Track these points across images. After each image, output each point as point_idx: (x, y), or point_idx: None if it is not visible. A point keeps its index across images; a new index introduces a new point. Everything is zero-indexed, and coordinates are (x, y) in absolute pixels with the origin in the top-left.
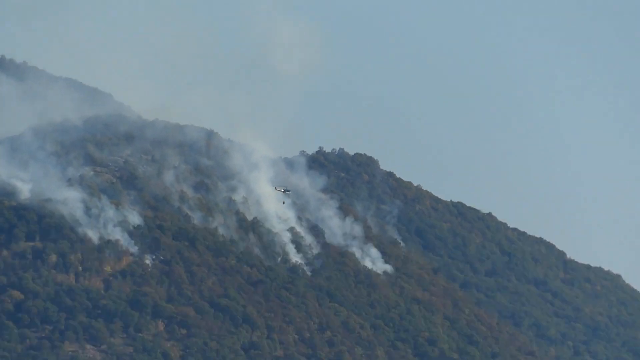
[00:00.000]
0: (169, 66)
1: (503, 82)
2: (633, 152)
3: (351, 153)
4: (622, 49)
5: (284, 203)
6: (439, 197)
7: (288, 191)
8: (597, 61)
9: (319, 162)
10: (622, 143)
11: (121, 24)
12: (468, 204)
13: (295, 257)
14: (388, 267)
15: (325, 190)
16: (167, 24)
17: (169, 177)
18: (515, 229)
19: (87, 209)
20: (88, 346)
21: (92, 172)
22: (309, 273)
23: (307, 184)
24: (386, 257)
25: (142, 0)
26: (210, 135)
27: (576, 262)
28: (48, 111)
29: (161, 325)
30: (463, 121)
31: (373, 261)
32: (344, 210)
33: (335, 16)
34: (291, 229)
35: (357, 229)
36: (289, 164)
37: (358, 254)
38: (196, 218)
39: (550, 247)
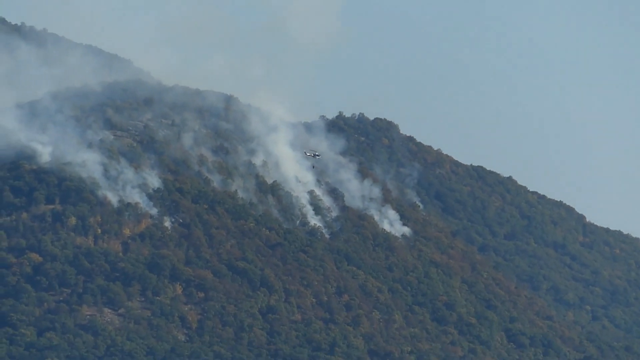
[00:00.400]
0: (187, 32)
1: (521, 47)
2: None
3: (371, 118)
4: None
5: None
6: (459, 160)
7: (318, 155)
8: (602, 17)
9: (338, 126)
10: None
11: None
12: (488, 168)
13: (313, 220)
14: (407, 230)
15: (344, 153)
16: None
17: (188, 141)
18: (535, 193)
19: (107, 172)
20: (106, 309)
21: (112, 136)
22: (327, 236)
23: (327, 147)
24: (405, 220)
25: None
26: (229, 99)
27: (595, 226)
28: (68, 77)
29: (179, 289)
30: (483, 86)
31: (392, 224)
32: (364, 173)
33: None
34: (310, 192)
35: (376, 192)
36: (309, 128)
37: (377, 217)
38: (215, 181)
39: (569, 210)
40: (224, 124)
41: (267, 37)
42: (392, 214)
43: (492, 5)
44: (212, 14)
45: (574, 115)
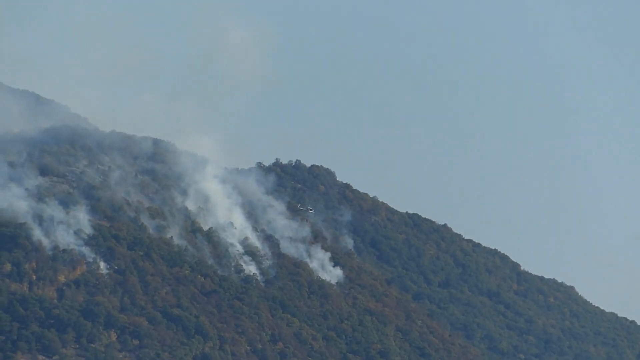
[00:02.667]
0: (118, 73)
1: (455, 93)
2: (579, 159)
3: (308, 165)
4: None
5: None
6: (395, 208)
7: (310, 210)
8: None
9: (275, 173)
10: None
11: (69, 32)
12: (424, 216)
13: (248, 267)
14: (342, 278)
15: (280, 200)
16: (114, 31)
17: (124, 186)
18: (470, 240)
19: (42, 218)
20: (40, 357)
21: (47, 182)
22: (262, 283)
23: (263, 195)
24: (340, 267)
25: (92, 7)
26: (165, 144)
27: (530, 274)
28: (3, 122)
29: (113, 336)
30: (419, 132)
31: (327, 272)
32: (299, 221)
33: (287, 21)
34: (245, 239)
35: (312, 239)
36: (245, 174)
37: (312, 264)
38: (151, 227)
39: (504, 258)
40: (160, 169)
41: (197, 77)
42: (328, 262)
43: (420, 50)
44: (142, 53)
45: (508, 162)
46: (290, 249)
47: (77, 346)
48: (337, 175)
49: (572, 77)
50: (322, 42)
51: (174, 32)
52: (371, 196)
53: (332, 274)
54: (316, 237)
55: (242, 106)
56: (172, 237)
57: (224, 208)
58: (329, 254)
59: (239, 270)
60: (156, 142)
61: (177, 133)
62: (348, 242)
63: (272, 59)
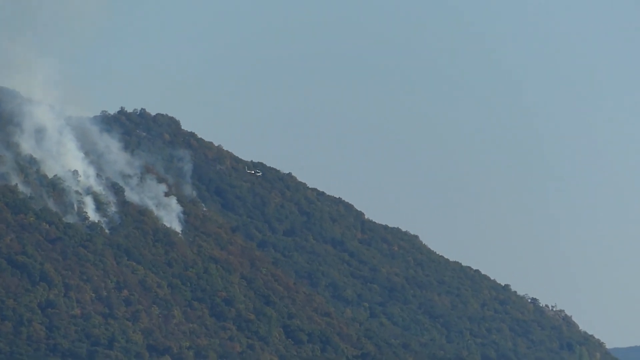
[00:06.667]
0: None
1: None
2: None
3: (153, 113)
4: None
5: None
6: (240, 157)
7: (259, 173)
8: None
9: (120, 122)
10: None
11: None
12: (268, 164)
13: (94, 215)
14: (186, 226)
15: (126, 148)
16: None
17: None
18: (314, 189)
19: None
20: None
21: None
22: (107, 231)
23: (109, 142)
24: (185, 215)
25: None
26: (8, 92)
27: (374, 223)
28: None
29: None
30: (260, 81)
31: (172, 220)
32: (145, 168)
33: None
34: (90, 187)
35: (157, 188)
36: (92, 122)
37: (157, 212)
38: None
39: (348, 207)
40: (7, 117)
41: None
42: (173, 210)
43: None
44: None
45: (347, 109)
46: (134, 197)
47: None
48: (182, 124)
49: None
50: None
51: None
52: (216, 145)
53: (177, 222)
54: (160, 184)
55: (85, 52)
56: (16, 184)
57: (69, 156)
58: (174, 202)
59: (84, 218)
60: (5, 92)
61: (18, 79)
62: (192, 190)
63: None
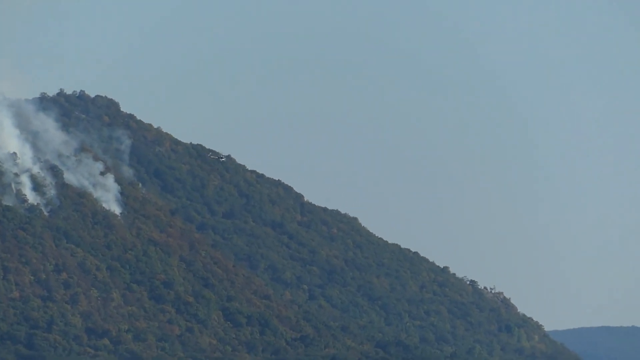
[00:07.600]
0: None
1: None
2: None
3: (92, 95)
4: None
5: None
6: (179, 139)
7: (222, 158)
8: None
9: (59, 103)
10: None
11: None
12: (208, 147)
13: (33, 197)
14: (125, 208)
15: (65, 130)
16: None
17: None
18: (253, 171)
19: None
20: None
21: None
22: (46, 213)
23: (47, 123)
24: (124, 198)
25: None
26: None
27: (313, 205)
28: None
29: None
30: (198, 64)
31: (110, 202)
32: (84, 150)
33: None
34: (29, 169)
35: (94, 166)
36: (30, 103)
37: (96, 194)
38: None
39: (288, 189)
40: None
41: None
42: (112, 192)
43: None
44: None
45: (286, 97)
46: (73, 180)
47: None
48: (121, 105)
49: None
50: None
51: None
52: (155, 127)
53: (116, 205)
54: (96, 162)
55: (24, 34)
56: None
57: (7, 138)
58: (110, 181)
59: (23, 200)
60: None
61: None
62: (131, 172)
63: None
